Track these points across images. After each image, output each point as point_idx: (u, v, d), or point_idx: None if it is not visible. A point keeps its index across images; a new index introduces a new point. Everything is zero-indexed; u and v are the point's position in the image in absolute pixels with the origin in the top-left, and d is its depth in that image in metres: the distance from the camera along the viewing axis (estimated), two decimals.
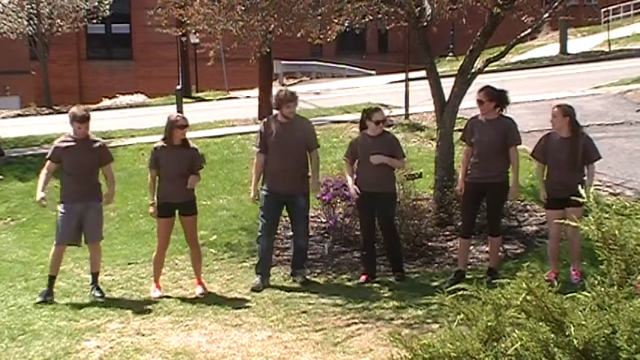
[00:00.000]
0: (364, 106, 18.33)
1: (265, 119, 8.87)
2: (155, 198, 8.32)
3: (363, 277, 8.60)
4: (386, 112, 9.99)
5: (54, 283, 8.30)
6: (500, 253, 9.07)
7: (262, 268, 8.60)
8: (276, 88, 17.48)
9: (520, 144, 8.47)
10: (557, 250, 8.29)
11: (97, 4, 27.90)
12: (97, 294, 8.24)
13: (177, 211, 8.34)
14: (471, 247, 9.32)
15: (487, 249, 9.07)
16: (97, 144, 8.37)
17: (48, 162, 8.33)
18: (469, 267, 8.86)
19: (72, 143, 8.23)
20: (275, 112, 8.69)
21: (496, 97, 8.27)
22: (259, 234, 8.68)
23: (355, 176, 8.64)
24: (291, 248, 9.09)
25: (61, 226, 8.23)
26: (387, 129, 8.93)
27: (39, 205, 8.32)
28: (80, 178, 8.17)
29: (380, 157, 8.36)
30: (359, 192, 8.48)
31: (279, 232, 9.74)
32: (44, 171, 8.29)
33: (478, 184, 8.24)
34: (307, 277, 8.69)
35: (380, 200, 8.42)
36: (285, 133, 8.45)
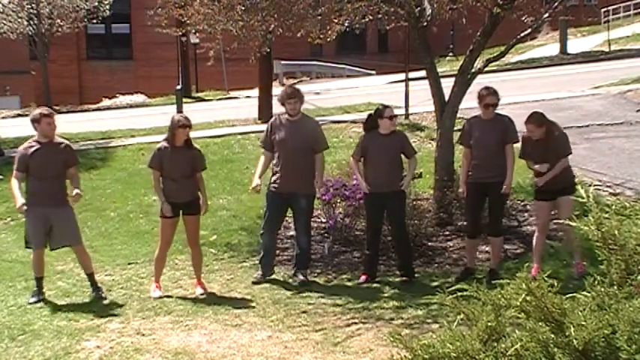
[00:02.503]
0: (364, 106, 18.44)
1: (274, 117, 8.86)
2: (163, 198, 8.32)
3: (363, 277, 8.59)
4: None
5: (42, 284, 8.29)
6: (500, 253, 9.08)
7: (265, 261, 8.63)
8: (276, 88, 17.49)
9: (518, 141, 8.55)
10: (542, 245, 8.38)
11: (97, 4, 27.84)
12: (97, 294, 8.24)
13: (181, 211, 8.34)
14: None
15: (488, 249, 9.07)
16: (63, 145, 8.26)
17: (15, 172, 8.10)
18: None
19: (37, 147, 8.09)
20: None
21: (499, 97, 8.37)
22: (262, 231, 8.72)
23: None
24: (291, 248, 9.07)
25: (32, 232, 8.14)
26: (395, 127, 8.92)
27: (19, 211, 8.13)
28: (48, 182, 8.04)
29: (407, 183, 8.55)
30: (369, 188, 8.47)
31: (278, 232, 9.73)
32: (14, 182, 8.05)
33: (481, 184, 8.26)
34: (307, 277, 8.66)
35: (390, 200, 8.38)
36: (290, 132, 8.43)
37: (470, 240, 8.58)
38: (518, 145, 8.48)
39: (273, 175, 8.53)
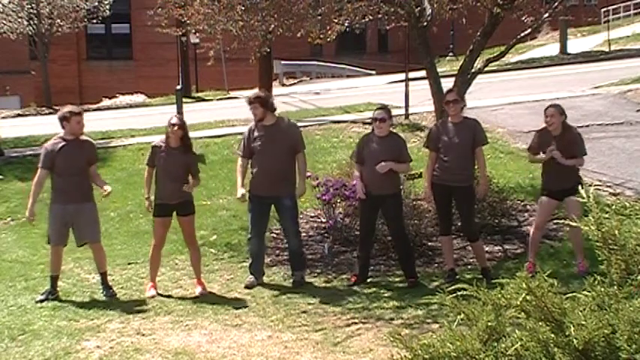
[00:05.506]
0: (364, 106, 18.46)
1: (251, 124, 8.81)
2: (150, 194, 8.33)
3: (352, 279, 8.55)
4: None
5: (57, 283, 8.30)
6: (500, 253, 9.08)
7: (255, 268, 8.60)
8: (276, 89, 17.48)
9: (487, 144, 8.58)
10: (538, 241, 8.43)
11: (97, 4, 27.90)
12: (108, 293, 8.26)
13: (174, 212, 8.34)
14: (470, 248, 9.32)
15: (487, 249, 9.08)
16: (86, 143, 8.34)
17: (40, 170, 8.18)
18: (469, 267, 8.86)
19: (64, 144, 8.16)
20: None
21: (463, 96, 8.44)
22: (249, 235, 8.69)
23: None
24: None
25: (54, 227, 8.20)
26: (393, 130, 8.85)
27: (28, 220, 8.36)
28: (72, 179, 8.10)
29: (384, 165, 8.15)
30: (365, 193, 8.38)
31: (278, 232, 9.73)
32: (36, 181, 8.18)
33: (446, 187, 8.26)
34: (304, 278, 8.63)
35: (385, 202, 8.33)
36: (269, 137, 8.39)
37: (443, 237, 8.58)
38: (523, 147, 8.47)
39: (254, 179, 8.47)
